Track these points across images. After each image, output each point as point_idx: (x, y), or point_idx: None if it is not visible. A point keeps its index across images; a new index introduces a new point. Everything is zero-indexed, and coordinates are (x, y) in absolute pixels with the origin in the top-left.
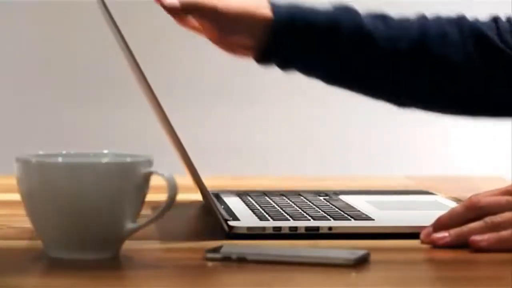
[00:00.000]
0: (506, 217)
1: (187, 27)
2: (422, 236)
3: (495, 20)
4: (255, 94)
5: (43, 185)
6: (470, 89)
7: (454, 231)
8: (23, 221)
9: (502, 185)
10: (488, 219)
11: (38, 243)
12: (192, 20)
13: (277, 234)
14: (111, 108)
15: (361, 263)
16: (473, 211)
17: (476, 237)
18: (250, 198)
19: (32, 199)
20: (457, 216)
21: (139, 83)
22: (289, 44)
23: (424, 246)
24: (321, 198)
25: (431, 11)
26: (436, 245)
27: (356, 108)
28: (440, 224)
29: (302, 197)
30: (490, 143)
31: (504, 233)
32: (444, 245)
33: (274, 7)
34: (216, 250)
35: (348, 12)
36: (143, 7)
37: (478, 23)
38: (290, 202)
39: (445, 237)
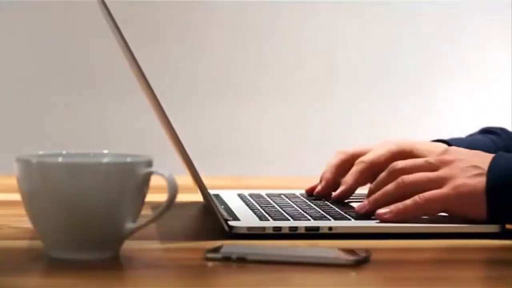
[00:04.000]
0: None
1: None
2: (357, 208)
3: None
4: (256, 94)
5: (43, 185)
6: None
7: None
8: (23, 221)
9: None
10: (417, 197)
11: (38, 243)
12: None
13: (277, 234)
14: (111, 107)
15: (361, 263)
16: (403, 188)
17: (380, 211)
18: (250, 198)
19: (32, 199)
20: (389, 195)
21: (139, 83)
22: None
23: (424, 246)
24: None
25: (430, 11)
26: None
27: (356, 108)
28: (376, 202)
29: (302, 197)
30: None
31: (402, 205)
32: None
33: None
34: (216, 250)
35: None
36: (143, 7)
37: None
38: (290, 202)
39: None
